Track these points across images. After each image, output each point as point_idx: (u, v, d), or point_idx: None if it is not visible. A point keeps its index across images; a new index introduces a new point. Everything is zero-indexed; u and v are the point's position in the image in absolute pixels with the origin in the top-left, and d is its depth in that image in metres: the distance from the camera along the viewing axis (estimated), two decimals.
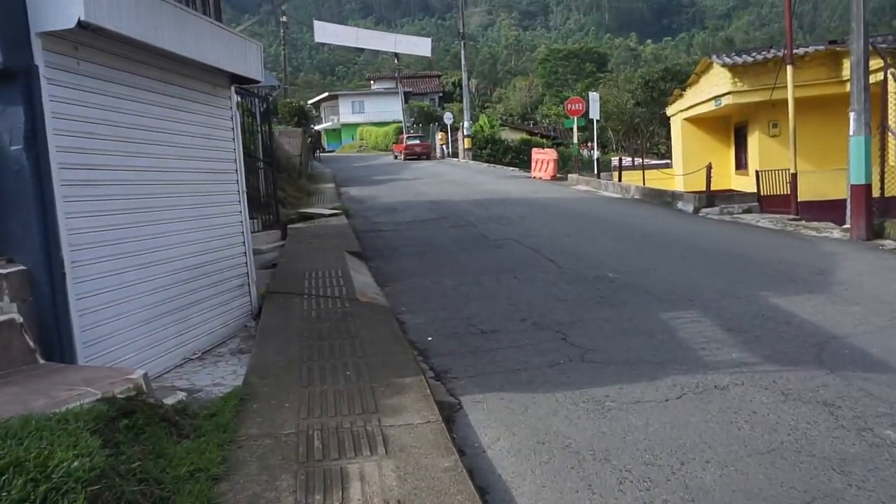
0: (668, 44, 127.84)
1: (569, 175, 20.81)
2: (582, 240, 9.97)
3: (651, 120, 40.83)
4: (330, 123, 62.46)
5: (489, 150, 36.95)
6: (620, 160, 19.40)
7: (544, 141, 39.70)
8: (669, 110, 20.23)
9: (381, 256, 9.37)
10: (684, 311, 5.96)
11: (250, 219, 11.44)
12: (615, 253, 8.90)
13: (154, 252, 4.74)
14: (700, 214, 12.96)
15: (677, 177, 19.49)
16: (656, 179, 19.00)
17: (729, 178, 18.44)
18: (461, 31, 34.46)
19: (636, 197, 15.85)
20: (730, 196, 13.50)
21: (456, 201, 15.78)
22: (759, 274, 7.39)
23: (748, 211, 12.94)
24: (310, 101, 62.79)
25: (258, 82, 6.16)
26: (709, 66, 15.82)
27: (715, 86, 15.44)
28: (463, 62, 35.44)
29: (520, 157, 37.33)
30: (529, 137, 40.16)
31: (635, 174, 19.83)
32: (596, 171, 20.93)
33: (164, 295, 4.86)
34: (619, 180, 17.51)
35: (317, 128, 49.07)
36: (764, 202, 13.09)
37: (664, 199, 14.60)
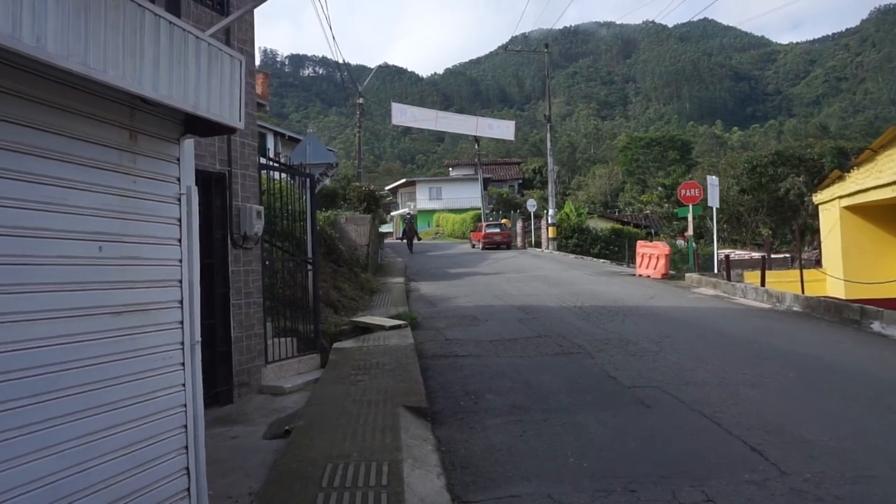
0: (757, 130, 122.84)
1: (686, 274, 17.01)
2: (778, 396, 6.24)
3: (757, 208, 36.65)
4: (406, 210, 61.52)
5: (575, 239, 33.68)
6: (764, 258, 15.45)
7: (638, 231, 35.95)
8: (821, 196, 16.29)
9: (457, 415, 6.01)
10: None
11: (285, 336, 8.54)
12: (861, 434, 5.13)
13: None
14: None
15: (831, 279, 15.34)
16: (785, 283, 14.96)
17: None
18: (547, 113, 32.19)
19: (795, 309, 11.87)
20: None
21: (552, 308, 12.38)
22: None
23: None
24: (387, 187, 62.42)
25: (232, 130, 3.22)
26: None
27: None
28: (548, 145, 32.93)
29: (609, 248, 33.80)
30: (620, 227, 36.52)
31: (774, 276, 15.80)
32: (718, 270, 17.03)
33: None
34: (763, 284, 13.57)
35: (409, 212, 47.16)
36: None
37: (846, 315, 10.59)
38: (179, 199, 3.07)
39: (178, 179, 3.08)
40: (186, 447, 3.00)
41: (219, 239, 6.41)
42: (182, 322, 3.04)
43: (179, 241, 3.05)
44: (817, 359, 7.72)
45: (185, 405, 3.01)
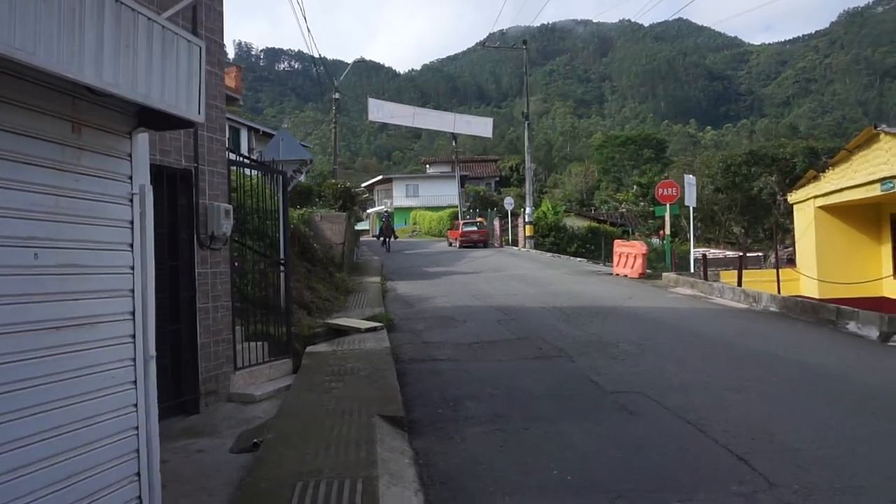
0: (730, 130, 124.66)
1: (663, 274, 17.01)
2: (762, 401, 6.13)
3: (731, 207, 37.15)
4: (383, 207, 61.08)
5: (552, 238, 33.72)
6: (741, 258, 15.51)
7: (614, 229, 36.12)
8: (795, 196, 16.40)
9: (435, 424, 5.79)
10: None
11: (256, 340, 8.19)
12: (846, 441, 5.03)
13: None
14: (891, 343, 8.96)
15: (805, 279, 15.46)
16: (761, 282, 15.03)
17: (880, 285, 14.30)
18: (525, 111, 32.08)
19: (772, 309, 11.89)
20: None
21: (531, 309, 12.22)
22: None
23: None
24: (364, 184, 61.81)
25: (190, 124, 2.94)
26: (873, 139, 12.14)
27: (883, 164, 11.70)
28: (526, 143, 32.84)
29: (586, 247, 33.91)
30: (597, 225, 36.65)
31: (749, 275, 15.87)
32: (695, 269, 17.07)
33: None
34: (740, 284, 13.59)
35: (386, 209, 46.49)
36: None
37: (822, 315, 10.62)
38: (132, 200, 2.78)
39: (130, 178, 2.79)
40: (139, 473, 2.71)
41: (184, 240, 6.08)
42: (134, 336, 2.75)
43: (131, 245, 2.76)
44: (797, 361, 7.67)
45: (138, 427, 2.73)
